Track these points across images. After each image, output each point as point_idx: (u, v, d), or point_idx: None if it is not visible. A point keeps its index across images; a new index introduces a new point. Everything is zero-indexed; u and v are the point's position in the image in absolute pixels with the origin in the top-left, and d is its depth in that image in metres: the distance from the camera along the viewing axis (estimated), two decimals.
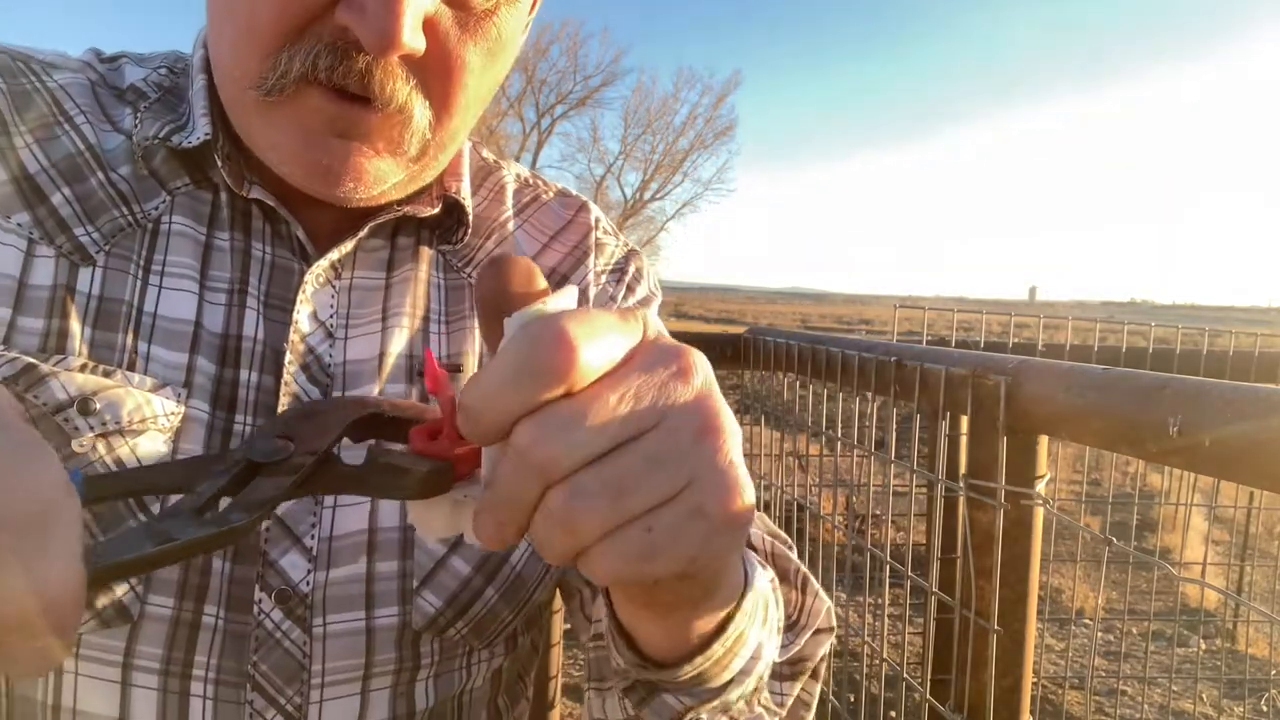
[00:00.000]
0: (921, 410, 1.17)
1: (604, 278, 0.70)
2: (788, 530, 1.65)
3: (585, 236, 0.70)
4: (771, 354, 1.51)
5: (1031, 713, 1.29)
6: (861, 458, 1.49)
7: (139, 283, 0.54)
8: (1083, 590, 2.98)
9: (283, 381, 0.55)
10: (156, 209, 0.56)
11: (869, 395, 1.23)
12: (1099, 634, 3.00)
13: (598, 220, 0.72)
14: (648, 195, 29.73)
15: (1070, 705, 2.57)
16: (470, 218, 0.64)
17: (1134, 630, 3.02)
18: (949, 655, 1.03)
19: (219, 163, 0.55)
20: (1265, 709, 2.59)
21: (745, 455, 0.36)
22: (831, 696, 1.46)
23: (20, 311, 0.52)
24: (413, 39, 0.48)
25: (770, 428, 1.65)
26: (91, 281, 0.53)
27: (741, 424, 1.71)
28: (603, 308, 0.34)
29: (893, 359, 1.14)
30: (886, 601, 1.62)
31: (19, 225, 0.53)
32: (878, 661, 1.38)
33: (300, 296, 0.57)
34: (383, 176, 0.54)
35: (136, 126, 0.57)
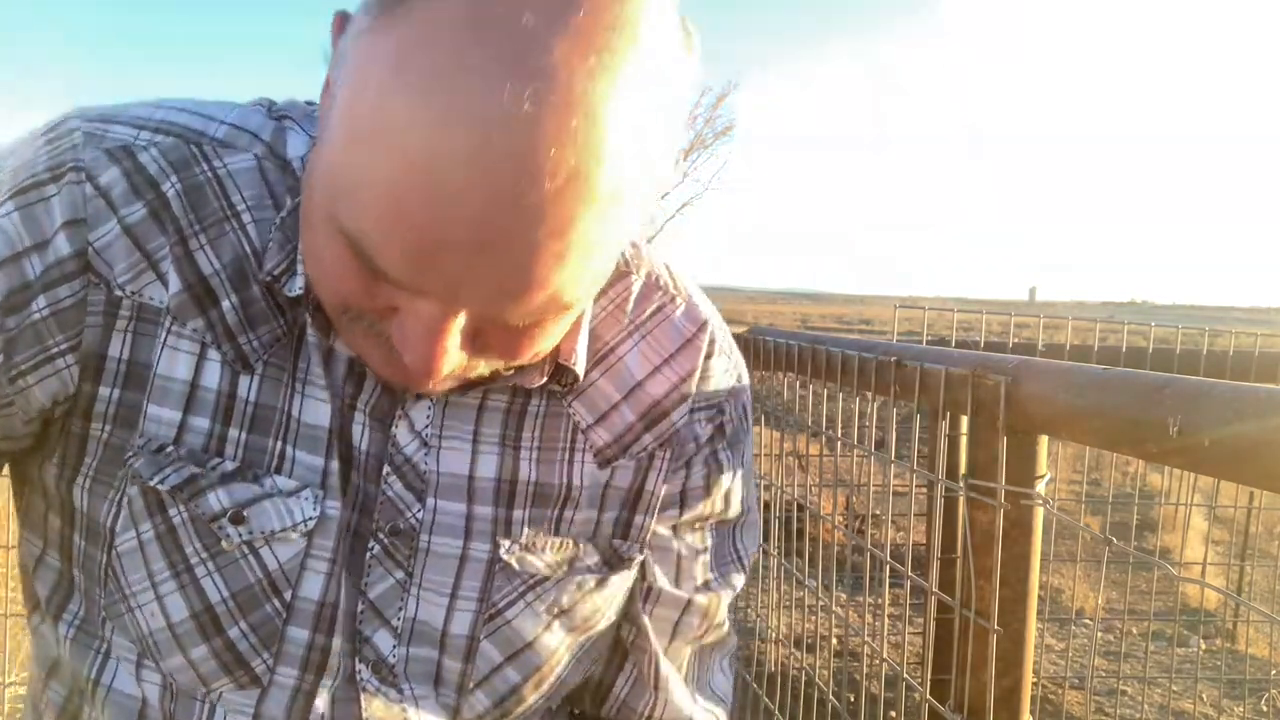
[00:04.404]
0: (921, 410, 1.17)
1: (699, 414, 0.67)
2: (787, 530, 1.65)
3: (693, 371, 0.66)
4: (771, 354, 1.51)
5: (1031, 713, 1.29)
6: (861, 458, 1.50)
7: (288, 390, 0.58)
8: (1083, 590, 2.98)
9: (380, 489, 0.60)
10: (300, 318, 0.58)
11: (869, 395, 1.23)
12: (1099, 634, 3.00)
13: (713, 342, 0.68)
14: None
15: (1070, 705, 2.57)
16: (581, 378, 0.61)
17: (1134, 630, 3.02)
18: (949, 655, 1.03)
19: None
20: (1265, 709, 2.59)
21: None
22: (831, 696, 1.46)
23: (190, 412, 0.57)
24: (452, 365, 0.49)
25: (770, 428, 1.65)
26: (250, 388, 0.57)
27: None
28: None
29: (893, 359, 1.14)
30: (886, 601, 1.62)
31: (193, 331, 0.56)
32: (878, 661, 1.38)
33: (398, 412, 0.60)
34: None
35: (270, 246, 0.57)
